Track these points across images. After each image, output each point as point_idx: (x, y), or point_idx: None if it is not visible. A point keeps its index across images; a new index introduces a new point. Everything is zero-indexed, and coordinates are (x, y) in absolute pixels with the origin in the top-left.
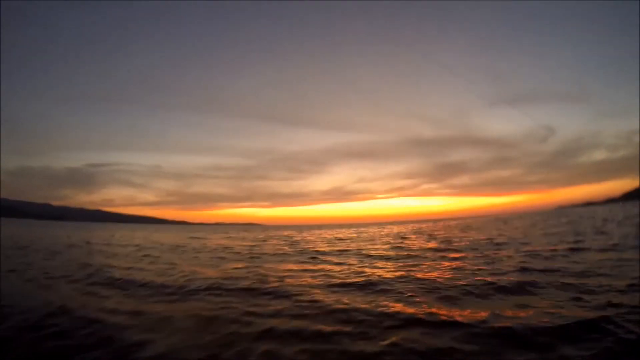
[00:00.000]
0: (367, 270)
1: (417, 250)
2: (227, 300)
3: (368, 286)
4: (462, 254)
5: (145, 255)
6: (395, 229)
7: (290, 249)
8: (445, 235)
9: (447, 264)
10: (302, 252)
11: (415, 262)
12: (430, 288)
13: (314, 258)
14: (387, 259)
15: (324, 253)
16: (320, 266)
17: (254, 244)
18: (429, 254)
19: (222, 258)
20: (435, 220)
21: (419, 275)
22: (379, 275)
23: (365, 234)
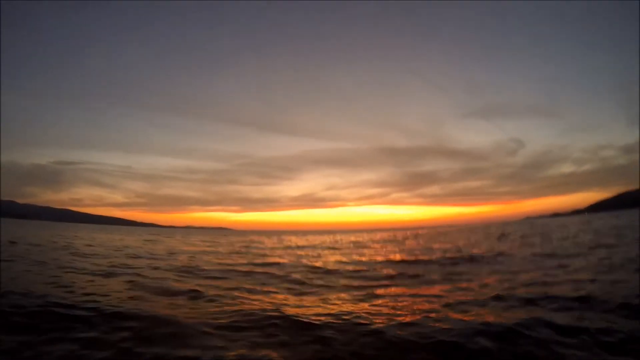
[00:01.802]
0: (300, 295)
1: (377, 264)
2: None
3: (273, 327)
4: (428, 272)
5: (58, 258)
6: (362, 237)
7: (238, 257)
8: (412, 245)
9: (407, 289)
10: (249, 261)
11: (369, 282)
12: (366, 345)
13: (251, 270)
14: (337, 274)
15: (269, 264)
16: (250, 281)
17: (205, 249)
18: (388, 270)
19: (147, 267)
20: (404, 229)
21: (364, 307)
22: (311, 308)
23: (328, 242)
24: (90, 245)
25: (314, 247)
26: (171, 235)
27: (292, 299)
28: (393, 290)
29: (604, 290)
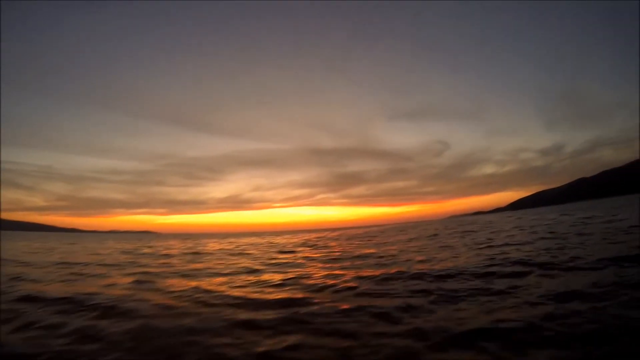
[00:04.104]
0: None
1: (283, 284)
2: None
3: None
4: (351, 300)
5: None
6: (283, 240)
7: (124, 272)
8: (337, 250)
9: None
10: (125, 281)
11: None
12: None
13: (115, 302)
14: (216, 305)
15: (144, 283)
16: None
17: (103, 258)
18: (293, 293)
19: None
20: (330, 230)
21: None
22: None
23: (243, 247)
24: None
25: (223, 253)
26: (85, 241)
27: None
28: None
29: None
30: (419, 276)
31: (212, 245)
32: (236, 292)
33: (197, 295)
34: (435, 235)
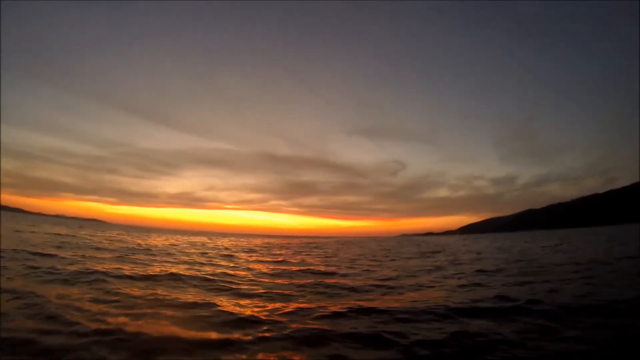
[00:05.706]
0: None
1: (195, 315)
2: None
3: None
4: None
5: None
6: (230, 243)
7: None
8: (280, 259)
9: None
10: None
11: None
12: None
13: None
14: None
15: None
16: None
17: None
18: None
19: None
20: (280, 237)
21: None
22: None
23: (180, 248)
24: None
25: (160, 252)
26: (20, 223)
27: None
28: None
29: None
30: (377, 313)
31: (154, 241)
32: (125, 318)
33: (67, 316)
34: (389, 251)
